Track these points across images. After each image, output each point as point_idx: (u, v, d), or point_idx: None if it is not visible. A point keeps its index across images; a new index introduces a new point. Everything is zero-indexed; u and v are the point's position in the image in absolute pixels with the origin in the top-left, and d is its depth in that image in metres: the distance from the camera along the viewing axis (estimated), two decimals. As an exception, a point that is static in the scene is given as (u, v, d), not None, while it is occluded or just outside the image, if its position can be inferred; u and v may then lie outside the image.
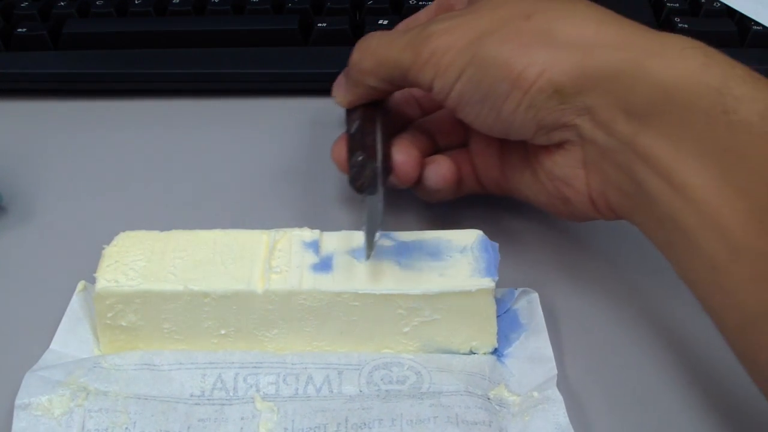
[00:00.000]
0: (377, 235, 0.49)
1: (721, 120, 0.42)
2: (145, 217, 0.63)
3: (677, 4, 0.77)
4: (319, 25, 0.77)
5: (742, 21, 0.75)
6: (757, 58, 0.72)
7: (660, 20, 0.76)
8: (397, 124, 0.61)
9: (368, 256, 0.49)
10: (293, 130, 0.72)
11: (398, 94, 0.61)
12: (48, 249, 0.60)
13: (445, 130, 0.60)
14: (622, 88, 0.46)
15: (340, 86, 0.60)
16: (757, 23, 0.74)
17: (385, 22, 0.76)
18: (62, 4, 0.79)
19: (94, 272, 0.50)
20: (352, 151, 0.56)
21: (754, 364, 0.42)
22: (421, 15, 0.63)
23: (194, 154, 0.70)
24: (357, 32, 0.77)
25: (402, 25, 0.63)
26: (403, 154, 0.56)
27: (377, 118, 0.58)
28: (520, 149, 0.55)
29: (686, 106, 0.44)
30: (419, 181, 0.57)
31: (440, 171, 0.57)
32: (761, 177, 0.41)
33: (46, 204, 0.64)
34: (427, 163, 0.57)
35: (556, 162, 0.52)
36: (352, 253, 0.50)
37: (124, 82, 0.76)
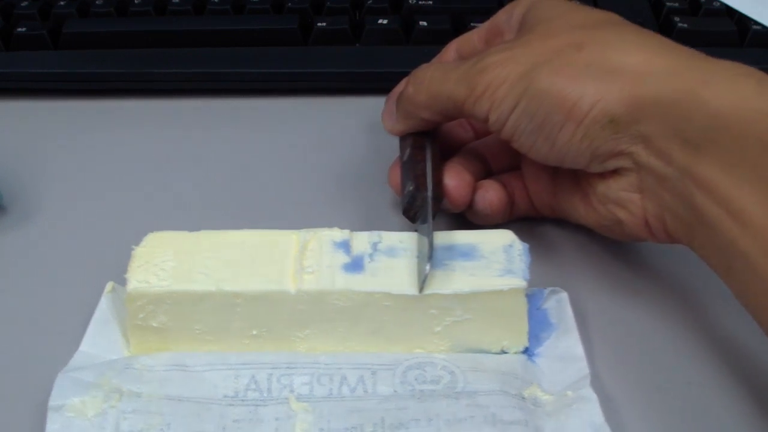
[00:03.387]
0: (427, 267, 0.48)
1: None
2: (144, 217, 0.63)
3: (677, 4, 0.77)
4: (319, 24, 0.77)
5: (742, 21, 0.75)
6: (757, 58, 0.72)
7: (660, 20, 0.77)
8: (449, 147, 0.61)
9: (420, 289, 0.48)
10: (293, 129, 0.72)
11: None
12: (48, 249, 0.60)
13: (498, 154, 0.61)
14: (676, 116, 0.47)
15: (390, 115, 0.60)
16: (757, 23, 0.74)
17: (385, 21, 0.76)
18: (62, 3, 0.79)
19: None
20: (403, 180, 0.56)
21: None
22: (473, 36, 0.63)
23: (194, 154, 0.70)
24: (357, 32, 0.77)
25: (452, 50, 0.64)
26: (455, 179, 0.57)
27: (427, 145, 0.58)
28: (571, 173, 0.55)
29: (741, 134, 0.44)
30: (470, 206, 0.58)
31: (487, 196, 0.57)
32: None
33: (46, 204, 0.64)
34: (477, 188, 0.58)
35: (610, 187, 0.52)
36: (383, 252, 0.50)
37: (124, 81, 0.75)
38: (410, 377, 0.49)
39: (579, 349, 0.50)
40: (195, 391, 0.48)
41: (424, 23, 0.76)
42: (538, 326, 0.52)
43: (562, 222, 0.60)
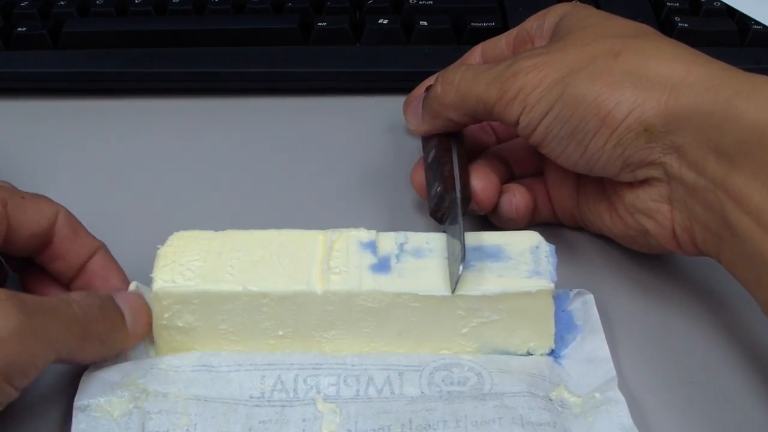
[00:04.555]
0: (460, 268, 0.48)
1: None
2: (144, 218, 0.63)
3: (677, 4, 0.77)
4: (319, 24, 0.76)
5: (742, 20, 0.76)
6: (757, 58, 0.73)
7: (660, 20, 0.77)
8: (471, 150, 0.61)
9: (453, 290, 0.48)
10: (293, 129, 0.72)
11: None
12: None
13: (521, 159, 0.61)
14: (712, 128, 0.47)
15: (415, 114, 0.60)
16: (757, 22, 0.75)
17: (385, 21, 0.76)
18: (62, 3, 0.78)
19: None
20: (430, 181, 0.56)
21: None
22: (500, 41, 0.63)
23: (194, 154, 0.70)
24: (357, 32, 0.77)
25: (477, 53, 0.64)
26: (483, 181, 0.57)
27: (453, 146, 0.58)
28: (597, 181, 0.56)
29: None
30: (495, 209, 0.58)
31: (514, 201, 0.57)
32: None
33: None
34: (503, 192, 0.58)
35: (639, 196, 0.52)
36: (410, 253, 0.50)
37: (124, 81, 0.75)
38: (437, 378, 0.49)
39: (605, 351, 0.50)
40: (221, 391, 0.48)
41: (425, 23, 0.76)
42: (564, 328, 0.52)
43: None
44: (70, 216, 0.52)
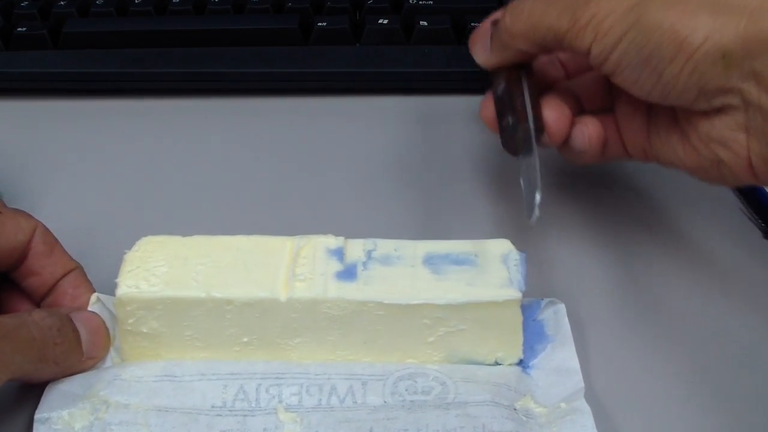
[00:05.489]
0: (537, 196, 0.48)
1: None
2: (143, 218, 0.63)
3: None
4: (319, 24, 0.76)
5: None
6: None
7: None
8: (540, 86, 0.59)
9: (531, 218, 0.48)
10: (294, 129, 0.72)
11: (542, 56, 0.60)
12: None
13: (591, 94, 0.59)
14: None
15: (483, 46, 0.59)
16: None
17: (385, 21, 0.76)
18: (62, 3, 0.78)
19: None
20: (501, 114, 0.56)
21: None
22: None
23: (195, 154, 0.70)
24: (357, 32, 0.77)
25: None
26: (556, 112, 0.56)
27: (523, 79, 0.57)
28: (669, 112, 0.54)
29: None
30: (566, 141, 0.57)
31: (587, 131, 0.56)
32: None
33: (46, 203, 0.64)
34: (575, 123, 0.57)
35: (714, 125, 0.51)
36: (377, 260, 0.50)
37: (124, 81, 0.75)
38: (401, 388, 0.48)
39: (574, 362, 0.50)
40: (184, 401, 0.48)
41: (425, 23, 0.75)
42: (534, 337, 0.51)
43: (563, 230, 0.59)
44: (47, 233, 0.52)
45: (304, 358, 0.50)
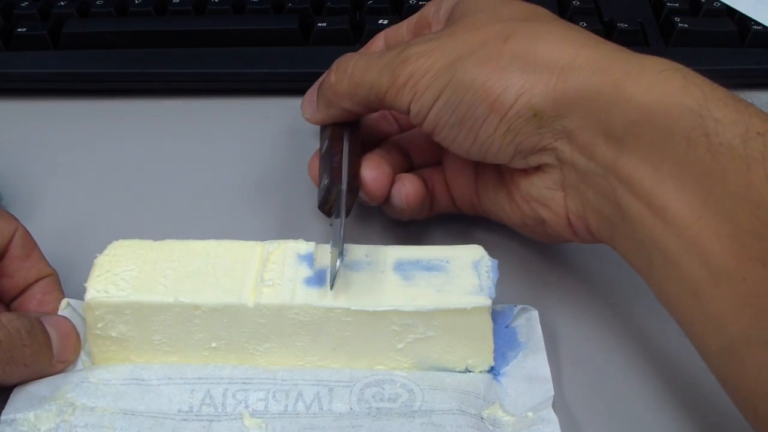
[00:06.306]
0: (338, 263, 0.47)
1: (702, 143, 0.41)
2: (143, 219, 0.63)
3: (677, 4, 0.76)
4: (319, 24, 0.76)
5: (742, 21, 0.74)
6: (757, 58, 0.72)
7: (660, 20, 0.75)
8: (373, 140, 0.60)
9: (331, 286, 0.48)
10: (294, 129, 0.71)
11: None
12: (48, 248, 0.59)
13: (420, 148, 0.59)
14: (601, 110, 0.45)
15: (310, 104, 0.58)
16: (757, 23, 0.73)
17: (385, 21, 0.75)
18: (62, 3, 0.78)
19: (87, 273, 0.49)
20: (320, 173, 0.55)
21: (736, 389, 0.41)
22: (402, 27, 0.62)
23: (195, 154, 0.70)
24: (357, 32, 0.77)
25: (381, 39, 0.63)
26: (373, 171, 0.55)
27: (345, 136, 0.56)
28: (494, 169, 0.54)
29: (666, 129, 0.43)
30: (387, 199, 0.56)
31: (404, 190, 0.55)
32: (743, 201, 0.40)
33: (46, 203, 0.64)
34: (395, 182, 0.56)
35: (533, 183, 0.51)
36: (347, 266, 0.49)
37: (124, 81, 0.75)
38: (367, 395, 0.48)
39: (546, 370, 0.49)
40: (150, 405, 0.48)
41: (424, 23, 0.75)
42: (506, 345, 0.51)
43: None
44: (27, 237, 0.52)
45: (273, 364, 0.50)
